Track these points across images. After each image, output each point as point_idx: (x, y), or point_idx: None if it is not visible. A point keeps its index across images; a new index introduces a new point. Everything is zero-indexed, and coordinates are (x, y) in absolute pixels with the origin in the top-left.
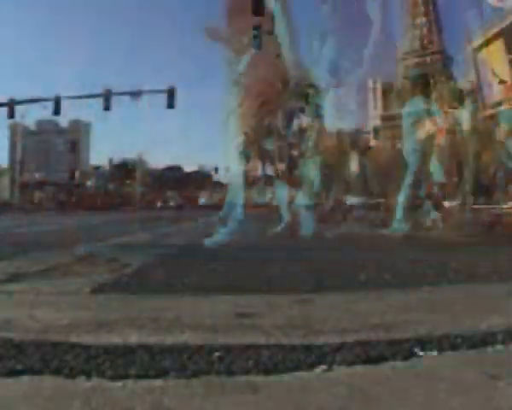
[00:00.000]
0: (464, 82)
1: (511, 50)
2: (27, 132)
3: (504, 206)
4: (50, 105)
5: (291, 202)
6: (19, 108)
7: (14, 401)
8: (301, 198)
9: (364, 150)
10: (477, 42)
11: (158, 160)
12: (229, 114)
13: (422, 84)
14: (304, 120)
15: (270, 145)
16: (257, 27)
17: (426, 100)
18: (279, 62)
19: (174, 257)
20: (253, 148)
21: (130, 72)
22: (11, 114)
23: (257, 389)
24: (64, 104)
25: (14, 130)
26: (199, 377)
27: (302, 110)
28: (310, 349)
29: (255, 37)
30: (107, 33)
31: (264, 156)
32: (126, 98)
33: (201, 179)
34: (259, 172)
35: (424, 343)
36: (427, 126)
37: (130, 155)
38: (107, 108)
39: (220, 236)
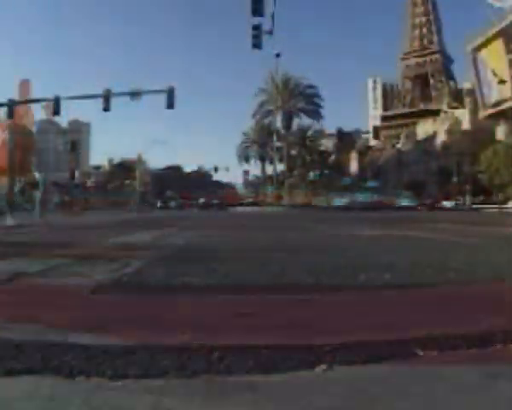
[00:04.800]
0: (464, 82)
1: (511, 50)
2: (27, 132)
3: (504, 205)
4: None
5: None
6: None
7: (14, 401)
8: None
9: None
10: (477, 42)
11: (158, 160)
12: None
13: (422, 84)
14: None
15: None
16: (257, 27)
17: (425, 100)
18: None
19: (174, 257)
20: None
21: (131, 72)
22: (10, 115)
23: (257, 389)
24: (64, 104)
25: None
26: (199, 377)
27: (302, 110)
28: (310, 349)
29: (255, 37)
30: (108, 33)
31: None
32: (126, 98)
33: (201, 179)
34: (259, 172)
35: (424, 343)
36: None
37: (130, 155)
38: (106, 108)
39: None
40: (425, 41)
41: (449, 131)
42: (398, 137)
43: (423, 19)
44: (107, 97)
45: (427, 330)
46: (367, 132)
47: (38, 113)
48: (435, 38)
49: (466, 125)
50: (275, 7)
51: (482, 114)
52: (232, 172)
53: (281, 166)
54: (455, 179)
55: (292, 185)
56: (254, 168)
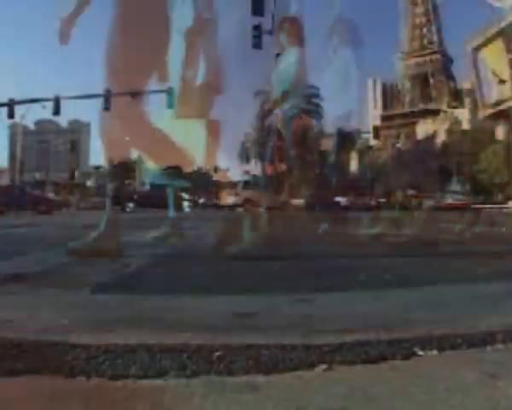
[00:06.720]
0: (464, 82)
1: (511, 50)
2: (27, 132)
3: (504, 205)
4: (50, 105)
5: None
6: (18, 108)
7: (14, 401)
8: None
9: (364, 150)
10: (477, 42)
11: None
12: None
13: (422, 83)
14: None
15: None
16: (257, 27)
17: (425, 100)
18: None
19: (174, 257)
20: (252, 148)
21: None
22: (11, 115)
23: (257, 389)
24: (64, 104)
25: (13, 130)
26: (199, 377)
27: (302, 110)
28: (310, 349)
29: (255, 37)
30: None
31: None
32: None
33: (201, 179)
34: (259, 172)
35: (424, 343)
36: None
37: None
38: (106, 108)
39: None
40: (425, 41)
41: (449, 131)
42: (398, 136)
43: (423, 19)
44: (107, 97)
45: (426, 329)
46: (367, 132)
47: (38, 113)
48: (435, 38)
49: (466, 125)
50: (275, 7)
51: (482, 114)
52: (232, 172)
53: (281, 167)
54: (455, 179)
55: (292, 186)
56: (254, 168)
